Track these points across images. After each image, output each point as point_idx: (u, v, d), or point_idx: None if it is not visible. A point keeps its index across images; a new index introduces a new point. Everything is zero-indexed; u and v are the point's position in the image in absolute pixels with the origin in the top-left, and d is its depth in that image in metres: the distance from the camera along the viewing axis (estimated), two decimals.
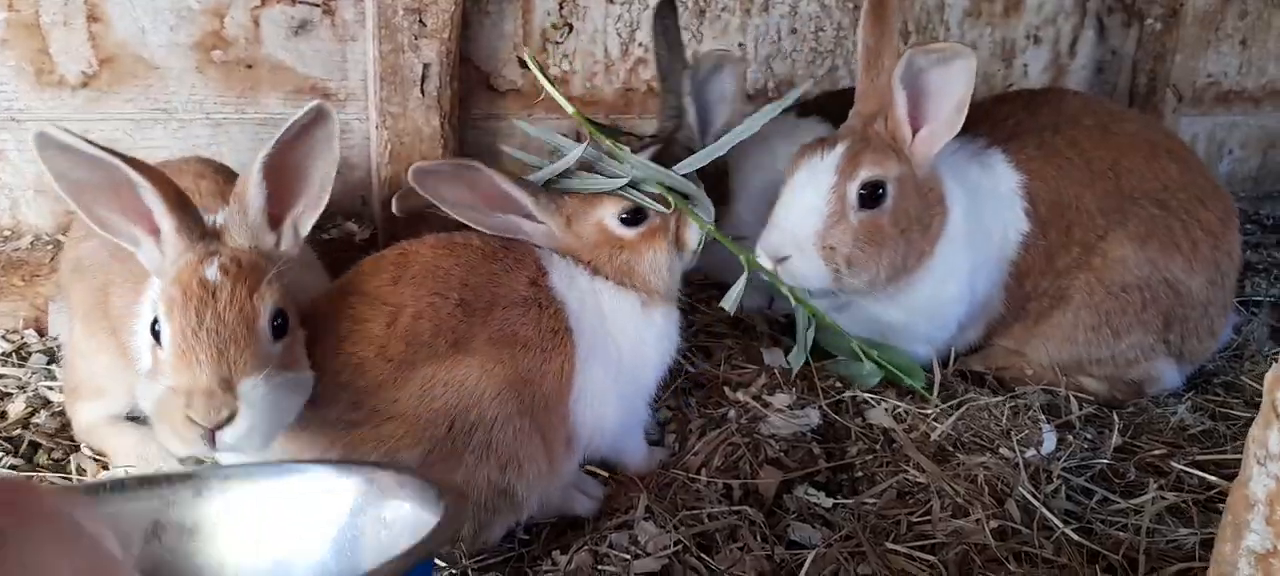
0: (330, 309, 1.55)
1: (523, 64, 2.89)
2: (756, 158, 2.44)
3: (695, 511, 1.71)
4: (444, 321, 1.53)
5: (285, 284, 1.45)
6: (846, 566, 1.58)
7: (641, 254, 1.77)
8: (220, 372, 1.32)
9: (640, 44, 3.01)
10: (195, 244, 1.42)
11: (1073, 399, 2.18)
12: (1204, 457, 1.96)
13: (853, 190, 2.01)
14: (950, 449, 1.91)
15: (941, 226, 2.11)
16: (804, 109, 2.66)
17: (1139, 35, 3.68)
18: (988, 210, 2.19)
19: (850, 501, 1.78)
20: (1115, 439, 2.02)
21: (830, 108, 2.61)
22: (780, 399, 2.03)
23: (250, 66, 2.60)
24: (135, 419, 1.90)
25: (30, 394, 2.12)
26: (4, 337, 2.35)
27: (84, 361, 1.90)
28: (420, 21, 2.56)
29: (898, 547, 1.63)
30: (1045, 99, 2.46)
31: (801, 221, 2.02)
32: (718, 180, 2.24)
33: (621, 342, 1.75)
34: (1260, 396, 1.10)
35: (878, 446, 1.93)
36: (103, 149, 1.37)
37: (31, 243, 2.52)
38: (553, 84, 1.92)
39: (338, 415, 1.48)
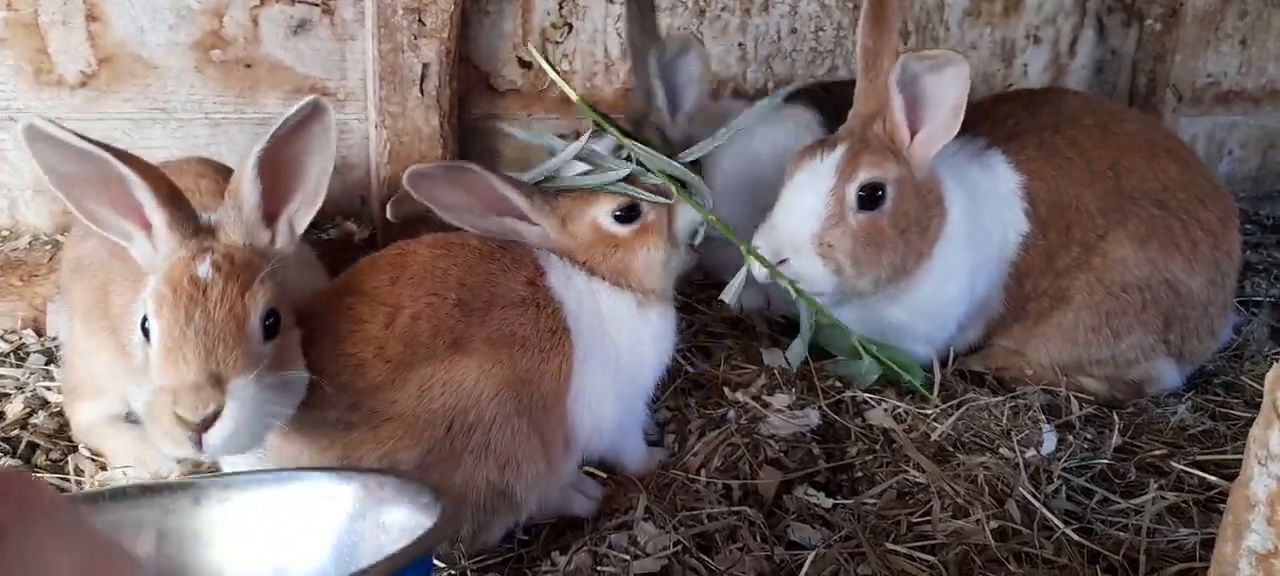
0: (328, 309, 1.55)
1: (523, 63, 2.89)
2: (737, 144, 2.42)
3: (695, 512, 1.71)
4: (442, 321, 1.53)
5: (280, 283, 1.44)
6: (846, 567, 1.58)
7: (636, 251, 1.77)
8: (208, 370, 1.30)
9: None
10: (187, 240, 1.41)
11: (1073, 399, 2.17)
12: (1204, 457, 1.95)
13: (852, 192, 2.00)
14: (950, 449, 1.91)
15: (941, 227, 2.11)
16: (790, 96, 2.68)
17: (1139, 35, 3.68)
18: (987, 210, 2.19)
19: (850, 502, 1.78)
20: (1115, 439, 2.02)
21: (817, 95, 2.61)
22: (780, 399, 2.03)
23: (249, 66, 2.60)
24: (134, 419, 1.90)
25: (28, 394, 2.11)
26: (2, 338, 2.34)
27: (83, 361, 1.89)
28: (419, 21, 2.56)
29: (898, 548, 1.62)
30: (1045, 99, 2.46)
31: (801, 223, 2.02)
32: (693, 167, 2.23)
33: (619, 343, 1.75)
34: (1260, 396, 1.09)
35: (877, 446, 1.93)
36: (92, 142, 1.36)
37: (30, 242, 2.52)
38: (558, 74, 1.93)
39: (336, 416, 1.47)
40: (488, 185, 1.70)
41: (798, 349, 2.11)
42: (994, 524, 1.67)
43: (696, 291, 2.47)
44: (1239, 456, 1.17)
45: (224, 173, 1.97)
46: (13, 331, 2.37)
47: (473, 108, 2.86)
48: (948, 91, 1.94)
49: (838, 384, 2.13)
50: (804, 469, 1.85)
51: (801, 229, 2.01)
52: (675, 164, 1.82)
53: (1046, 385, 2.22)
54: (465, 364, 1.52)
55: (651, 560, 1.59)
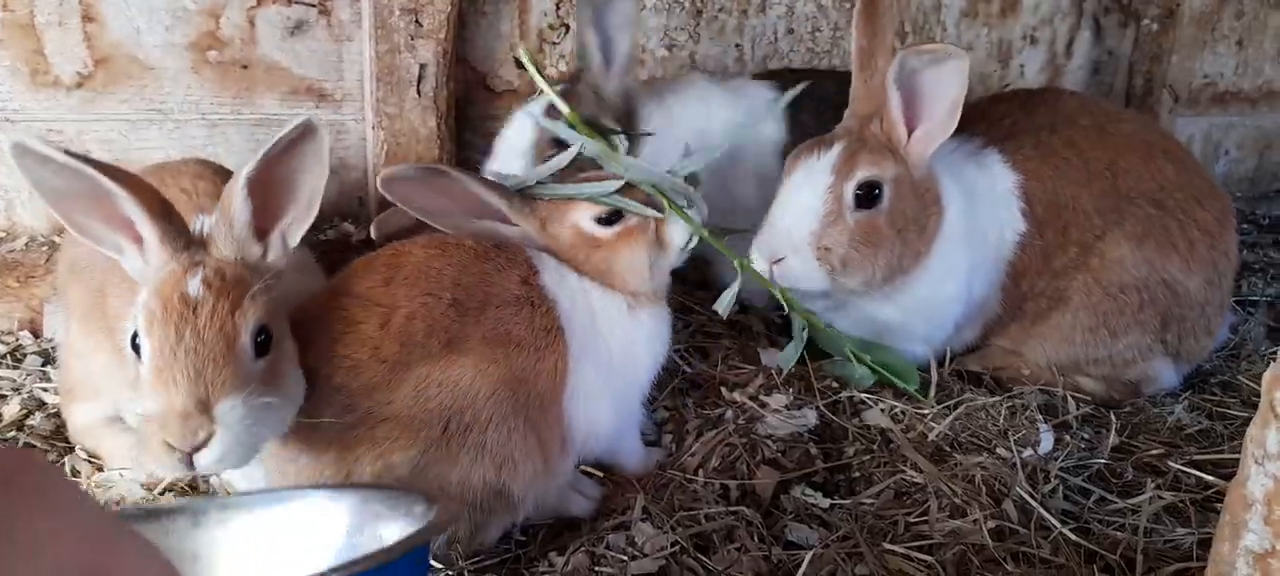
0: (322, 311, 1.54)
1: (519, 64, 2.89)
2: (692, 124, 2.35)
3: (692, 512, 1.71)
4: (437, 321, 1.53)
5: (272, 298, 1.43)
6: (844, 566, 1.58)
7: (619, 253, 1.75)
8: (196, 394, 1.30)
9: (638, 44, 3.01)
10: (179, 254, 1.40)
11: (1070, 399, 2.17)
12: (1201, 457, 1.96)
13: (849, 191, 2.00)
14: (947, 449, 1.91)
15: (938, 226, 2.11)
16: (759, 75, 2.65)
17: (1135, 36, 3.69)
18: (984, 210, 2.19)
19: (847, 502, 1.78)
20: (1112, 438, 2.02)
21: (782, 76, 2.59)
22: (777, 399, 2.03)
23: (246, 67, 2.60)
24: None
25: (25, 396, 2.11)
26: None
27: (80, 362, 1.89)
28: (416, 22, 2.56)
29: (895, 548, 1.62)
30: (1042, 99, 2.46)
31: (797, 222, 2.02)
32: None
33: (612, 342, 1.74)
34: (1257, 396, 1.09)
35: (875, 446, 1.93)
36: (80, 158, 1.34)
37: (26, 244, 2.51)
38: (548, 83, 1.92)
39: (332, 417, 1.47)
40: (464, 188, 1.70)
41: (789, 354, 2.10)
42: (991, 523, 1.67)
43: (694, 291, 2.47)
44: (1236, 456, 1.18)
45: (221, 174, 1.97)
46: (9, 333, 2.37)
47: (470, 109, 2.85)
48: (946, 87, 1.94)
49: (835, 384, 2.12)
50: (801, 469, 1.85)
51: (799, 228, 2.01)
52: (668, 176, 1.80)
53: (1044, 385, 2.22)
54: (461, 363, 1.52)
55: (649, 560, 1.59)
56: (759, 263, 2.01)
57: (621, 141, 1.87)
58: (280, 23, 2.60)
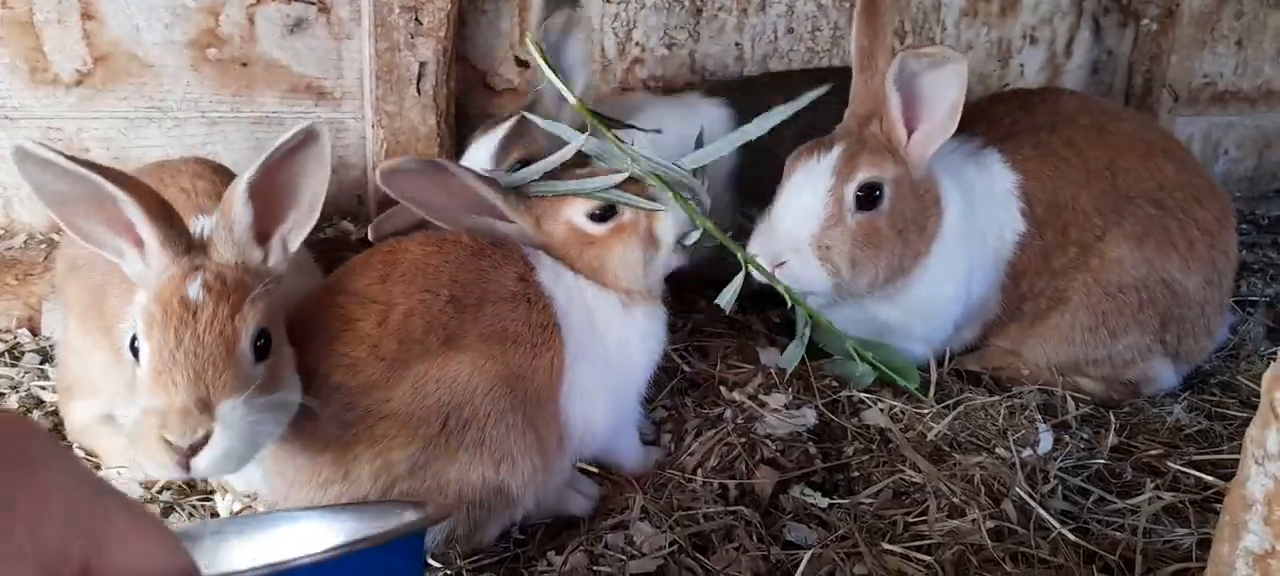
0: (320, 308, 1.54)
1: (521, 62, 2.89)
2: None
3: (691, 511, 1.71)
4: (435, 318, 1.52)
5: (272, 302, 1.43)
6: (842, 566, 1.58)
7: (612, 250, 1.75)
8: (196, 394, 1.29)
9: (637, 44, 3.01)
10: (180, 258, 1.39)
11: (1069, 399, 2.17)
12: (1200, 457, 1.95)
13: (850, 192, 2.00)
14: (947, 449, 1.90)
15: (938, 227, 2.11)
16: (711, 90, 2.62)
17: (1135, 35, 3.69)
18: (984, 210, 2.19)
19: (846, 501, 1.77)
20: (1111, 439, 2.02)
21: (737, 95, 2.56)
22: (776, 399, 2.03)
23: (245, 65, 2.60)
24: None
25: (23, 394, 2.11)
26: None
27: (78, 360, 1.89)
28: (416, 20, 2.56)
29: (894, 548, 1.62)
30: (1041, 99, 2.46)
31: (798, 224, 2.02)
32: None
33: (607, 340, 1.74)
34: (1256, 396, 1.09)
35: (874, 446, 1.93)
36: (82, 163, 1.34)
37: (25, 241, 2.51)
38: (555, 73, 1.92)
39: (331, 415, 1.47)
40: (462, 183, 1.70)
41: (793, 352, 2.10)
42: (990, 523, 1.67)
43: (693, 289, 2.47)
44: (1235, 456, 1.17)
45: (221, 173, 1.96)
46: (8, 330, 2.36)
47: (470, 107, 2.85)
48: (946, 89, 1.94)
49: (834, 383, 2.12)
50: (800, 468, 1.85)
51: (799, 229, 2.01)
52: (673, 167, 1.80)
53: (1043, 385, 2.22)
54: (459, 360, 1.52)
55: (648, 560, 1.59)
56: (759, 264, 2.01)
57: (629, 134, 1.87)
58: (280, 20, 2.60)
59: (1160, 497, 1.81)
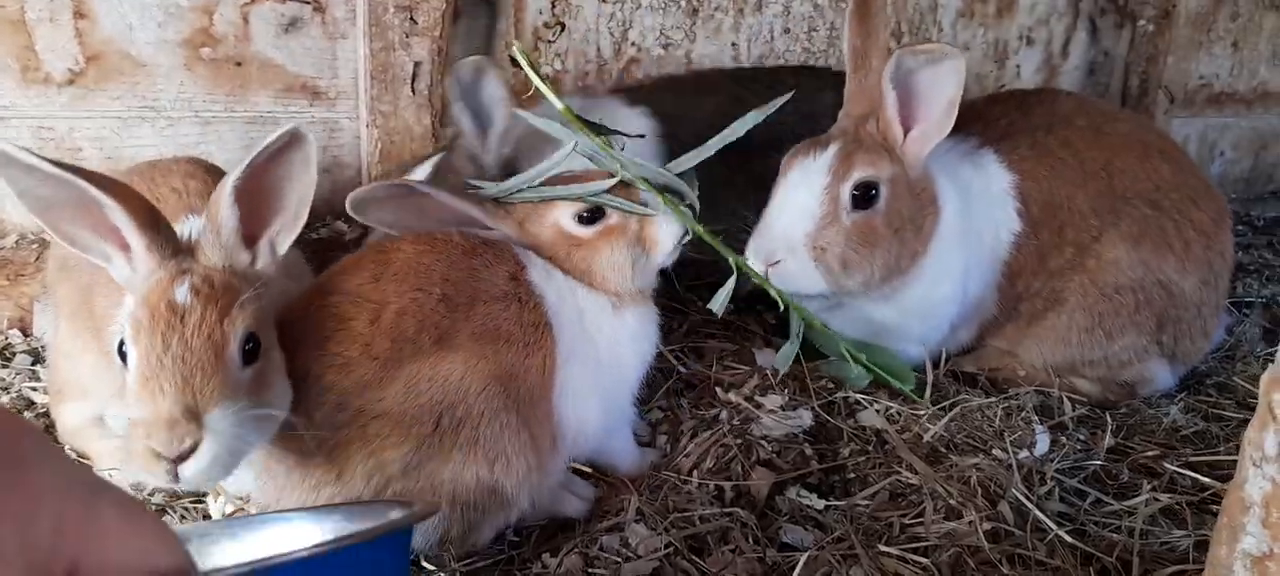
0: (311, 309, 1.53)
1: (514, 61, 2.88)
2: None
3: (686, 513, 1.70)
4: (428, 317, 1.52)
5: (260, 306, 1.41)
6: (839, 569, 1.57)
7: (599, 252, 1.74)
8: (184, 402, 1.28)
9: (633, 44, 3.00)
10: (166, 262, 1.38)
11: (1066, 400, 2.17)
12: (1197, 459, 1.95)
13: (846, 191, 2.00)
14: (943, 450, 1.90)
15: (934, 226, 2.11)
16: (633, 97, 2.56)
17: (1131, 37, 3.69)
18: (980, 210, 2.18)
19: (842, 503, 1.77)
20: (1108, 440, 2.01)
21: (658, 99, 2.51)
22: (772, 400, 2.02)
23: (239, 64, 2.58)
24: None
25: (14, 395, 2.09)
26: None
27: (68, 362, 1.87)
28: (411, 19, 2.55)
29: (890, 549, 1.61)
30: (1038, 99, 2.46)
31: (794, 224, 2.01)
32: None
33: (598, 340, 1.74)
34: (1253, 397, 1.09)
35: (870, 447, 1.92)
36: (66, 168, 1.32)
37: (16, 241, 2.49)
38: (543, 80, 1.90)
39: (323, 417, 1.46)
40: (437, 204, 1.69)
41: (786, 351, 2.10)
42: (987, 525, 1.66)
43: (687, 291, 2.46)
44: (1232, 457, 1.17)
45: (213, 173, 1.95)
46: None
47: None
48: (942, 87, 1.94)
49: (830, 385, 2.12)
50: (796, 470, 1.84)
51: (795, 229, 2.00)
52: (662, 171, 1.79)
53: (1039, 386, 2.22)
54: (451, 359, 1.51)
55: (643, 562, 1.58)
56: (755, 265, 2.00)
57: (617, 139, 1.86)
58: (274, 20, 2.58)
59: (1157, 499, 1.80)
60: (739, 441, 1.87)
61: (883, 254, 2.03)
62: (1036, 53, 3.60)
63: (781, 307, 2.03)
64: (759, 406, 2.00)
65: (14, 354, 2.27)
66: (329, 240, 2.58)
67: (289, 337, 1.49)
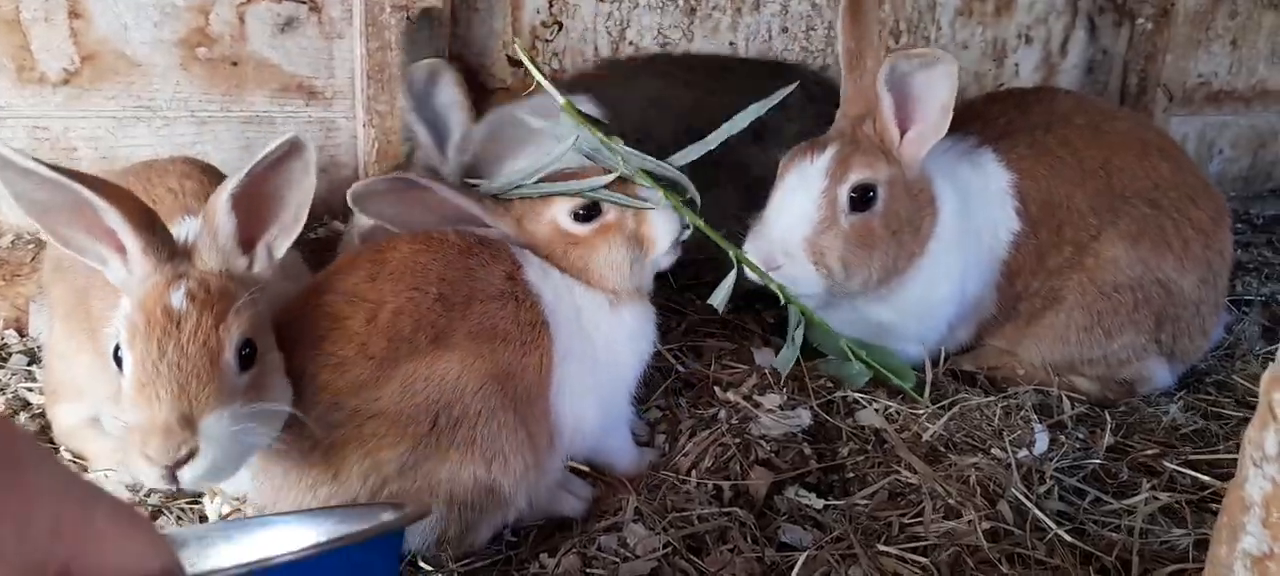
0: (308, 308, 1.53)
1: (513, 61, 2.87)
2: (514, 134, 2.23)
3: (685, 513, 1.69)
4: (424, 316, 1.51)
5: (257, 310, 1.41)
6: (837, 568, 1.57)
7: (596, 250, 1.74)
8: (180, 409, 1.27)
9: (631, 43, 3.00)
10: (162, 265, 1.37)
11: (1065, 398, 2.17)
12: (1196, 457, 1.95)
13: (844, 194, 1.99)
14: (942, 449, 1.90)
15: (932, 227, 2.10)
16: (572, 86, 2.48)
17: (1130, 35, 3.69)
18: (978, 209, 2.18)
19: (841, 502, 1.76)
20: (1107, 439, 2.01)
21: (598, 87, 2.46)
22: (771, 399, 2.02)
23: (235, 64, 2.57)
24: None
25: (10, 396, 2.09)
26: None
27: (64, 363, 1.87)
28: (408, 19, 2.54)
29: (889, 549, 1.61)
30: (1036, 98, 2.45)
31: (792, 227, 2.00)
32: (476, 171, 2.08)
33: (595, 339, 1.74)
34: (1252, 395, 1.08)
35: (869, 447, 1.92)
36: (62, 171, 1.32)
37: (12, 242, 2.48)
38: (544, 75, 1.90)
39: (319, 416, 1.45)
40: (437, 198, 1.69)
41: (786, 355, 2.09)
42: (986, 524, 1.66)
43: (686, 289, 2.45)
44: (1232, 456, 1.17)
45: (209, 173, 1.94)
46: None
47: None
48: (937, 90, 1.93)
49: (829, 384, 2.11)
50: (795, 469, 1.84)
51: (793, 232, 2.00)
52: (664, 165, 1.79)
53: (1038, 385, 2.21)
54: (448, 358, 1.50)
55: (641, 562, 1.57)
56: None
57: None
58: (270, 19, 2.58)
59: (1156, 498, 1.80)
60: (737, 441, 1.87)
61: (881, 255, 2.02)
62: (1035, 51, 3.59)
63: (782, 302, 2.03)
64: (758, 405, 2.00)
65: (10, 354, 2.26)
66: (327, 240, 2.58)
67: (285, 337, 1.48)
